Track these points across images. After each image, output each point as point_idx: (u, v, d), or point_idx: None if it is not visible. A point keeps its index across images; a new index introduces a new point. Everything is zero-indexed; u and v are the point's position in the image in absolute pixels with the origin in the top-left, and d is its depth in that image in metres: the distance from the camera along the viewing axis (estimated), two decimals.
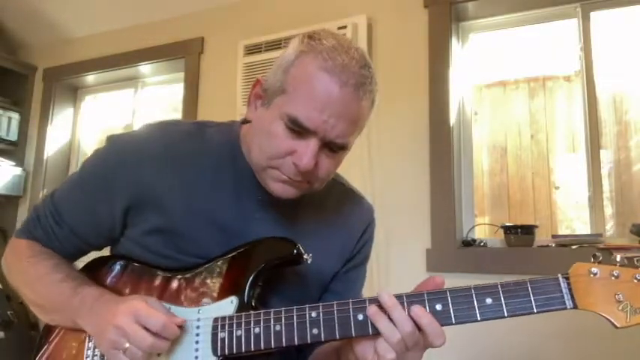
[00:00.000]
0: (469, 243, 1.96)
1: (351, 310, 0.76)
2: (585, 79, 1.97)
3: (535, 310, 0.70)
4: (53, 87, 3.11)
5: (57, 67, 3.12)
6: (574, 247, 1.76)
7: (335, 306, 0.77)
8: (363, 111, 0.82)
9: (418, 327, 0.72)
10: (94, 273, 0.94)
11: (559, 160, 2.07)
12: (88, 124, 3.22)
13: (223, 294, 0.84)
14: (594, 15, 2.00)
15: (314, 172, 0.82)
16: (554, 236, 1.89)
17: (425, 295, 0.74)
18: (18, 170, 3.03)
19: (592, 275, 0.70)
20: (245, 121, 0.95)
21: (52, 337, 0.93)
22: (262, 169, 0.85)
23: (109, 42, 2.93)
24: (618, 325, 0.68)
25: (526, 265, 1.77)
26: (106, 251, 0.99)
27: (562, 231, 2.00)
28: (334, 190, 1.00)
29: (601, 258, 0.71)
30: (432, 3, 2.10)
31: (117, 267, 0.94)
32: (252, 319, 0.79)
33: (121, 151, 0.90)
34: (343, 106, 0.78)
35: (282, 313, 0.79)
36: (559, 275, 0.71)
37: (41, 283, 0.90)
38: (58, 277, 0.89)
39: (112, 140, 0.94)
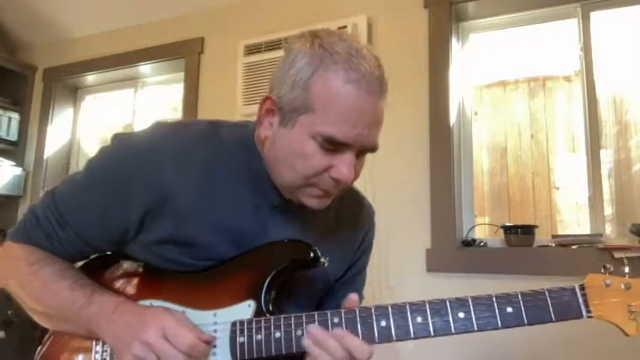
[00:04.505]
0: (469, 243, 1.96)
1: (374, 316, 0.76)
2: (585, 79, 1.97)
3: (554, 319, 0.74)
4: (53, 87, 3.11)
5: (57, 67, 3.12)
6: (574, 247, 1.76)
7: (357, 312, 0.77)
8: (384, 108, 0.81)
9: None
10: (98, 274, 0.90)
11: (559, 161, 2.07)
12: (88, 124, 3.22)
13: (239, 296, 0.82)
14: (594, 15, 2.00)
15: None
16: (554, 236, 1.89)
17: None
18: (18, 170, 3.03)
19: (606, 286, 0.75)
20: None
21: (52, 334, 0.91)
22: (297, 188, 0.82)
23: (109, 42, 2.93)
24: (629, 334, 0.74)
25: (526, 265, 1.77)
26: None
27: (562, 231, 2.00)
28: None
29: (612, 269, 0.76)
30: (432, 3, 2.10)
31: (125, 268, 0.90)
32: (272, 323, 0.79)
33: (137, 153, 0.83)
34: (373, 114, 0.78)
35: (304, 318, 0.78)
36: (575, 286, 0.75)
37: (48, 292, 0.84)
38: (66, 284, 0.83)
39: (122, 140, 0.87)
